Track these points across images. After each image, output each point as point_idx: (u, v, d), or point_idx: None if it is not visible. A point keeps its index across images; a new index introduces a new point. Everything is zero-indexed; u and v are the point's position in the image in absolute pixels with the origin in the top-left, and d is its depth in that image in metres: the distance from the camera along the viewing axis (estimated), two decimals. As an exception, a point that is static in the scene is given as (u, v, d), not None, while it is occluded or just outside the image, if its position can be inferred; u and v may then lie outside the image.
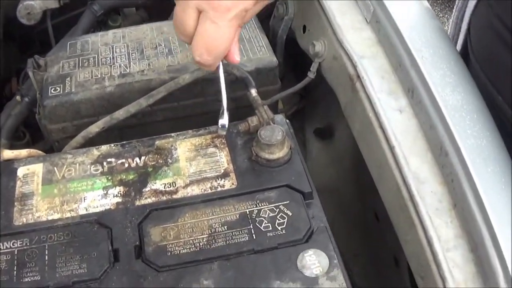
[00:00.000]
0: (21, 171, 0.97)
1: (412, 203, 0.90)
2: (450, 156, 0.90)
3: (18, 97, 1.40)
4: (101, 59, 1.23)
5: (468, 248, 0.84)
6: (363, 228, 1.42)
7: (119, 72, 1.19)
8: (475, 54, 1.13)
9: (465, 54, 1.16)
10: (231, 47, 0.91)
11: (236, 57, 0.94)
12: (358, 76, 1.06)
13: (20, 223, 0.89)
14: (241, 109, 1.08)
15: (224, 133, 0.98)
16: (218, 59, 0.92)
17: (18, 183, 0.95)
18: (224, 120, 0.97)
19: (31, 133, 1.48)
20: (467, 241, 0.85)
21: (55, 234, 0.87)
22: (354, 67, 1.07)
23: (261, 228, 0.86)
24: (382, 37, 1.11)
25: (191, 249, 0.84)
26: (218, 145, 0.98)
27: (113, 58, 1.23)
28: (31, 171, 0.97)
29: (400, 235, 0.95)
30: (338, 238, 0.88)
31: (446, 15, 4.45)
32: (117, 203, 0.91)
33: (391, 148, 0.96)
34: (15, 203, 0.92)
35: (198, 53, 0.89)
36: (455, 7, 1.25)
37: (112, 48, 1.26)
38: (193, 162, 0.96)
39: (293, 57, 1.46)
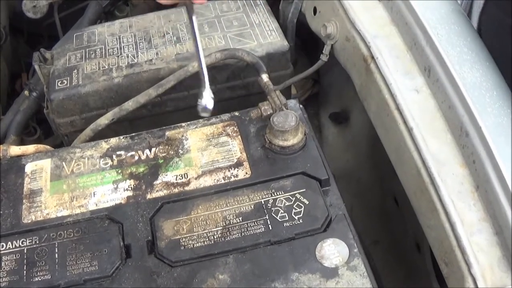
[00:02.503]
0: (29, 168, 0.95)
1: (433, 187, 0.87)
2: (471, 136, 0.87)
3: (26, 92, 1.40)
4: (108, 50, 1.21)
5: (493, 231, 0.82)
6: (382, 214, 1.40)
7: (126, 63, 1.17)
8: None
9: None
10: None
11: None
12: (372, 57, 1.03)
13: (29, 221, 0.88)
14: (253, 96, 1.06)
15: (207, 115, 0.94)
16: None
17: (26, 179, 0.94)
18: (205, 100, 0.93)
19: (43, 128, 1.47)
20: (491, 224, 0.82)
21: (65, 231, 0.85)
22: (368, 47, 1.05)
23: (277, 218, 0.83)
24: (395, 16, 1.08)
25: (205, 243, 0.82)
26: (230, 133, 0.96)
27: (120, 48, 1.21)
28: (39, 167, 0.95)
29: (422, 221, 0.92)
30: (357, 225, 0.86)
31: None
32: (128, 197, 0.89)
33: (409, 130, 0.93)
34: (24, 200, 0.90)
35: None
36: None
37: (119, 38, 1.24)
38: (205, 152, 0.94)
39: (304, 41, 1.44)
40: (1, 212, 0.89)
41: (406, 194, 0.97)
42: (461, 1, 1.19)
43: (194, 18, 0.94)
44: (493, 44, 1.06)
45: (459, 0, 1.20)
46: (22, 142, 1.40)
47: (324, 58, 1.17)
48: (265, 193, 0.86)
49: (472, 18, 1.17)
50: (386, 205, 1.36)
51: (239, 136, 0.95)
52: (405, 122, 0.94)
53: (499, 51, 1.05)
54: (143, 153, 0.95)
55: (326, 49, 1.17)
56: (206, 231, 0.83)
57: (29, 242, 0.85)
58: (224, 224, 0.83)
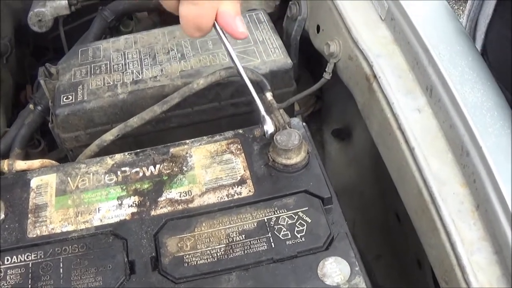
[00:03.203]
0: (34, 182, 0.96)
1: (434, 206, 0.88)
2: (471, 156, 0.88)
3: (31, 106, 1.40)
4: (113, 65, 1.22)
5: (492, 250, 0.82)
6: (385, 230, 1.41)
7: (131, 79, 1.18)
8: (492, 64, 1.10)
9: None
10: (231, 22, 0.90)
11: (239, 32, 0.92)
12: (375, 76, 1.04)
13: (34, 235, 0.88)
14: (257, 113, 1.06)
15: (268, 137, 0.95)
16: (209, 29, 0.91)
17: (32, 194, 0.94)
18: (267, 126, 0.94)
19: (48, 140, 1.48)
20: (491, 243, 0.83)
21: (70, 246, 0.86)
22: (370, 66, 1.06)
23: (280, 236, 0.84)
24: (397, 35, 1.09)
25: (208, 260, 0.82)
26: (234, 151, 0.97)
27: (125, 64, 1.22)
28: (44, 182, 0.96)
29: (423, 239, 0.93)
30: (360, 240, 0.87)
31: (462, 7, 4.42)
32: (132, 214, 0.90)
33: (411, 150, 0.94)
34: (29, 215, 0.91)
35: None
36: (465, 15, 1.22)
37: (124, 54, 1.25)
38: (209, 170, 0.94)
39: (308, 58, 1.45)
40: (7, 226, 0.89)
41: (407, 212, 0.98)
42: (466, 22, 1.19)
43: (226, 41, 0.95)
44: (500, 61, 1.07)
45: (464, 17, 1.21)
46: (26, 155, 1.41)
47: (327, 76, 1.18)
48: (268, 211, 0.87)
49: (478, 35, 1.18)
50: (388, 221, 1.36)
51: (243, 154, 0.96)
52: (406, 141, 0.95)
53: (505, 68, 1.06)
54: (147, 170, 0.95)
55: (329, 67, 1.17)
56: (210, 248, 0.83)
57: (34, 257, 0.85)
58: (227, 242, 0.84)
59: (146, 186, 0.93)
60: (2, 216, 0.90)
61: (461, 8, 4.38)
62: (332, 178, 0.93)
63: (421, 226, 0.93)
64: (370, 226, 1.43)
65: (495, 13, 1.06)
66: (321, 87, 1.22)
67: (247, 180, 0.92)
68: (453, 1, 4.48)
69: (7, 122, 1.52)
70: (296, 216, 0.86)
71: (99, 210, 0.91)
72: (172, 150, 0.98)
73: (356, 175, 1.49)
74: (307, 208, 0.87)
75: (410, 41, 1.04)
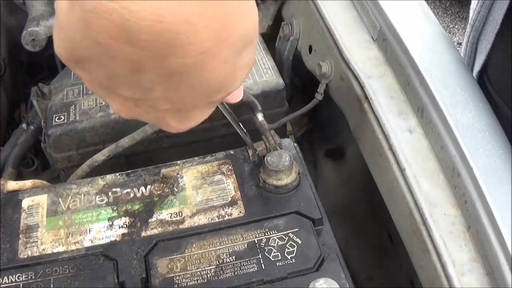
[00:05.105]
0: (25, 203, 0.96)
1: (425, 227, 0.88)
2: (462, 177, 0.88)
3: (24, 125, 1.40)
4: (105, 85, 1.21)
5: (484, 271, 0.82)
6: (377, 249, 1.40)
7: (123, 99, 1.17)
8: (492, 83, 1.10)
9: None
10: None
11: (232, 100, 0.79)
12: (366, 97, 1.05)
13: (25, 256, 0.88)
14: (249, 132, 1.07)
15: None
16: None
17: (23, 214, 0.94)
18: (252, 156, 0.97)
19: (41, 160, 1.48)
20: (482, 264, 0.83)
21: (61, 267, 0.86)
22: (362, 87, 1.06)
23: (270, 257, 0.84)
24: (389, 56, 1.09)
25: (198, 281, 0.82)
26: (225, 172, 0.97)
27: (118, 84, 1.21)
28: (35, 203, 0.96)
29: (414, 260, 0.93)
30: (352, 260, 0.87)
31: (457, 26, 4.44)
32: (123, 234, 0.90)
33: (402, 171, 0.94)
34: (20, 235, 0.91)
35: None
36: (466, 35, 1.22)
37: (117, 74, 1.24)
38: (200, 190, 0.94)
39: (300, 78, 1.45)
40: (-1, 246, 0.89)
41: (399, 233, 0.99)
42: (467, 41, 1.19)
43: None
44: (502, 79, 1.07)
45: (465, 36, 1.21)
46: (19, 174, 1.41)
47: (319, 97, 1.18)
48: (259, 232, 0.87)
49: (479, 53, 1.17)
50: (381, 240, 1.36)
51: (234, 175, 0.96)
52: (398, 162, 0.95)
53: (506, 86, 1.05)
54: (138, 191, 0.96)
55: (321, 88, 1.18)
56: (200, 269, 0.83)
57: (25, 277, 0.85)
58: (218, 263, 0.84)
59: (137, 207, 0.93)
60: (-7, 236, 0.90)
61: (456, 27, 4.41)
62: (325, 198, 0.94)
63: (412, 247, 0.93)
64: (363, 246, 1.43)
65: (499, 32, 1.05)
66: (314, 107, 1.22)
67: (238, 201, 0.92)
68: (449, 20, 4.51)
69: (1, 140, 1.52)
70: (287, 237, 0.86)
71: (90, 231, 0.91)
72: (163, 170, 0.98)
73: (349, 195, 1.49)
74: (297, 229, 0.87)
75: (401, 62, 1.05)
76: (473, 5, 1.14)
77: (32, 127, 1.38)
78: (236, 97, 0.73)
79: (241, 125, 0.98)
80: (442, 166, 0.94)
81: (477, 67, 1.15)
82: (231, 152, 1.00)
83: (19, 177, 1.38)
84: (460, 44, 3.71)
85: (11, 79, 1.71)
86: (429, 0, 4.47)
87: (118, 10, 0.46)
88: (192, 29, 0.48)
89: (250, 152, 0.95)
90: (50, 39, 1.55)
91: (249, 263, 0.83)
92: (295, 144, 1.01)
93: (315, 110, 1.43)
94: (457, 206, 0.89)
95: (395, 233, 1.01)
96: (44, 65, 1.82)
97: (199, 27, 0.49)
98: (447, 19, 4.53)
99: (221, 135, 1.20)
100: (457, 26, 4.41)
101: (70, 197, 0.96)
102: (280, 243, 0.85)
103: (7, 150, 1.39)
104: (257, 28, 0.56)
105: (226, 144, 1.04)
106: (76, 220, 0.92)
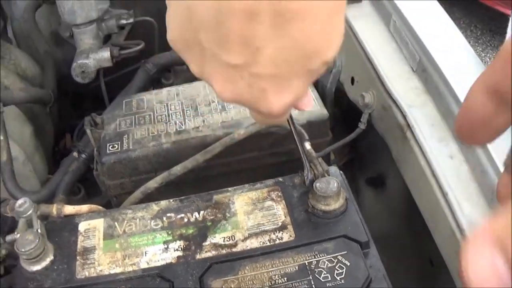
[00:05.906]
0: (82, 226, 1.00)
1: (467, 249, 0.90)
2: (502, 201, 0.90)
3: (75, 153, 1.44)
4: (156, 116, 1.26)
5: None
6: (417, 274, 1.42)
7: (175, 129, 1.22)
8: None
9: None
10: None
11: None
12: (408, 125, 1.08)
13: (83, 277, 0.91)
14: (296, 162, 1.10)
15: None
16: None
17: (80, 237, 0.97)
18: (308, 173, 0.98)
19: (85, 188, 1.52)
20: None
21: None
22: (404, 116, 1.09)
23: (320, 278, 0.86)
24: (429, 86, 1.13)
25: (252, 301, 0.85)
26: (274, 198, 1.00)
27: (168, 115, 1.26)
28: (92, 226, 0.99)
29: (457, 283, 0.95)
30: (394, 284, 0.89)
31: (488, 54, 4.45)
32: (178, 257, 0.93)
33: (444, 195, 0.97)
34: (77, 257, 0.94)
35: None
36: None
37: (167, 105, 1.29)
38: (251, 216, 0.98)
39: (340, 108, 1.48)
40: (55, 267, 0.93)
41: (441, 255, 1.01)
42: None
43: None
44: None
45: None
46: (67, 201, 1.45)
47: (362, 126, 1.21)
48: (309, 255, 0.90)
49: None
50: (421, 265, 1.38)
51: (283, 201, 0.99)
52: (440, 187, 0.98)
53: None
54: (192, 216, 0.99)
55: (364, 118, 1.21)
56: (253, 290, 0.86)
57: (83, 298, 0.88)
58: (270, 284, 0.87)
59: (191, 231, 0.97)
60: (51, 257, 0.94)
61: (488, 56, 4.41)
62: (366, 225, 0.97)
63: (455, 269, 0.95)
64: (403, 272, 1.45)
65: None
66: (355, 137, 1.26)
67: (288, 226, 0.95)
68: (480, 49, 4.51)
69: (50, 169, 1.56)
70: (336, 260, 0.89)
71: (146, 253, 0.94)
72: (215, 197, 1.02)
73: (390, 222, 1.51)
74: (346, 252, 0.90)
75: (441, 91, 1.08)
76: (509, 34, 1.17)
77: (83, 156, 1.42)
78: (307, 105, 0.76)
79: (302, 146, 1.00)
80: (483, 190, 0.97)
81: None
82: (280, 179, 1.03)
83: (67, 204, 1.42)
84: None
85: (58, 110, 1.76)
86: (461, 30, 4.48)
87: None
88: None
89: (305, 175, 0.97)
90: (98, 71, 1.60)
91: (300, 284, 0.86)
92: (341, 172, 1.04)
93: (356, 140, 1.47)
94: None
95: (436, 257, 1.04)
96: (89, 96, 1.86)
97: None
98: (478, 48, 4.54)
99: (268, 164, 1.24)
100: (488, 55, 4.42)
101: (125, 221, 1.00)
102: (330, 265, 0.88)
103: (58, 177, 1.43)
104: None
105: (273, 173, 1.07)
106: (132, 243, 0.96)
